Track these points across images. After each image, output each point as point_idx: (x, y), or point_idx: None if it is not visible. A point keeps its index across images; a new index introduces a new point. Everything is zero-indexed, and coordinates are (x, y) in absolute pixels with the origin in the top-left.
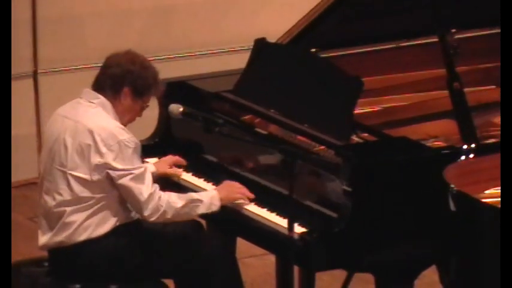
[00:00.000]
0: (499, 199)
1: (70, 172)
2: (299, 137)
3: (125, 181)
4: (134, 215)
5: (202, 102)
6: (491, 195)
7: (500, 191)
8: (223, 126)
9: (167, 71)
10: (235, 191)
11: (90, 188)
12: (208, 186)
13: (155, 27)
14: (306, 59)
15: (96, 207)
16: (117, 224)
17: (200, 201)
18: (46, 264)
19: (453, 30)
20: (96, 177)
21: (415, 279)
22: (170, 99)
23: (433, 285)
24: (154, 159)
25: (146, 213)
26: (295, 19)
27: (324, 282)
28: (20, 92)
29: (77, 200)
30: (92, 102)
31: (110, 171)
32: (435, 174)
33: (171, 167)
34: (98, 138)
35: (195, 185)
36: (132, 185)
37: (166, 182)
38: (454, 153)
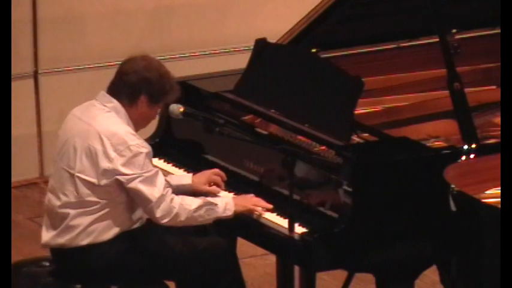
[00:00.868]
0: (499, 199)
1: (78, 175)
2: (299, 137)
3: (135, 184)
4: (138, 222)
5: (203, 102)
6: (492, 195)
7: (500, 191)
8: (223, 126)
9: None
10: (251, 201)
11: (97, 193)
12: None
13: (155, 27)
14: (306, 59)
15: (100, 213)
16: (120, 232)
17: (215, 205)
18: (46, 264)
19: (453, 30)
20: (103, 182)
21: (415, 279)
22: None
23: (433, 285)
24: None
25: (158, 214)
26: (295, 19)
27: (324, 282)
28: (20, 92)
29: (81, 204)
30: (106, 106)
31: (119, 177)
32: (435, 174)
33: (210, 184)
34: (107, 143)
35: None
36: (142, 187)
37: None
38: (454, 153)
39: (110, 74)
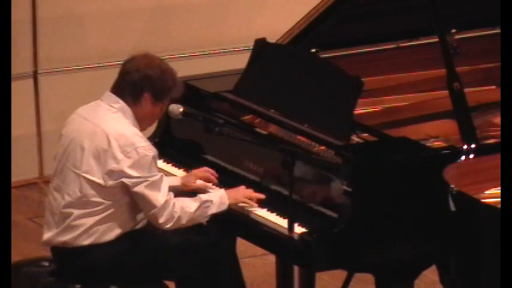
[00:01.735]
0: (499, 199)
1: (84, 175)
2: (299, 137)
3: (140, 188)
4: (140, 224)
5: (202, 102)
6: (491, 195)
7: (500, 191)
8: (223, 126)
9: None
10: (242, 193)
11: (102, 194)
12: (211, 187)
13: (155, 27)
14: (306, 59)
15: (104, 214)
16: (122, 233)
17: (210, 201)
18: (46, 264)
19: (453, 30)
20: (110, 183)
21: (415, 279)
22: (170, 99)
23: (433, 285)
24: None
25: (161, 220)
26: (295, 19)
27: (324, 282)
28: (20, 92)
29: (85, 204)
30: (112, 107)
31: (125, 179)
32: (435, 174)
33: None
34: (115, 144)
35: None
36: (147, 192)
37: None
38: (454, 153)
39: (109, 74)
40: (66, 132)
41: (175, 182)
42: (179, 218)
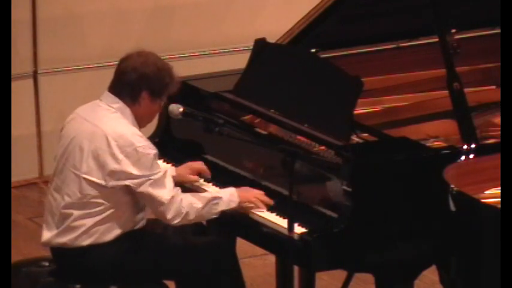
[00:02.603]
0: (499, 199)
1: (84, 176)
2: (299, 137)
3: (145, 188)
4: (139, 224)
5: (202, 102)
6: (491, 195)
7: (500, 191)
8: (223, 126)
9: None
10: (253, 193)
11: (102, 194)
12: (211, 187)
13: (155, 27)
14: (305, 59)
15: (104, 214)
16: (122, 233)
17: (220, 198)
18: (46, 264)
19: (453, 30)
20: (111, 183)
21: (415, 279)
22: (170, 99)
23: (433, 285)
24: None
25: (169, 216)
26: (295, 19)
27: (324, 282)
28: (20, 92)
29: (85, 205)
30: (111, 107)
31: (128, 181)
32: (435, 174)
33: (194, 174)
34: (114, 145)
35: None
36: (153, 191)
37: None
38: (454, 153)
39: (109, 74)
40: (65, 132)
41: (171, 172)
42: (187, 213)
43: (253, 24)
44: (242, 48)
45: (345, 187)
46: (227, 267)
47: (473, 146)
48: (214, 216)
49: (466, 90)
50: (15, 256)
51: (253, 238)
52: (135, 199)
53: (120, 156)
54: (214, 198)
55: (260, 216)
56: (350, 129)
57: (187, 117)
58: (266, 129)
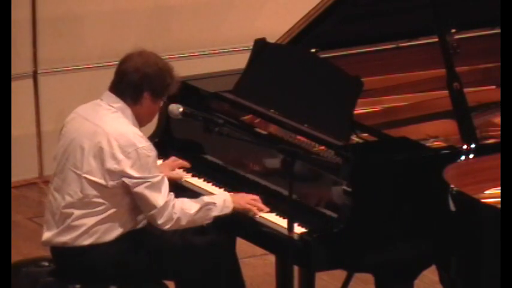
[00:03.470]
0: (499, 199)
1: (85, 176)
2: (299, 137)
3: (141, 189)
4: (140, 224)
5: (202, 102)
6: (491, 195)
7: (500, 191)
8: (223, 126)
9: None
10: (248, 199)
11: (103, 194)
12: (211, 187)
13: (155, 27)
14: (305, 59)
15: (105, 214)
16: (123, 233)
17: (213, 204)
18: (46, 264)
19: (453, 30)
20: (111, 183)
21: (415, 279)
22: (170, 99)
23: (433, 285)
24: (160, 162)
25: (160, 221)
26: (295, 19)
27: (324, 282)
28: (20, 92)
29: (86, 204)
30: (112, 106)
31: (126, 179)
32: (435, 174)
33: (173, 170)
34: (115, 144)
35: (198, 186)
36: (148, 193)
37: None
38: (453, 153)
39: (109, 74)
40: (66, 132)
41: None
42: (178, 219)
43: (253, 24)
44: (242, 48)
45: (344, 187)
46: (227, 267)
47: (473, 146)
48: (208, 222)
49: (466, 90)
50: (15, 256)
51: (253, 238)
52: (136, 200)
53: (121, 156)
54: (208, 204)
55: (260, 216)
56: (350, 129)
57: (187, 117)
58: (266, 129)
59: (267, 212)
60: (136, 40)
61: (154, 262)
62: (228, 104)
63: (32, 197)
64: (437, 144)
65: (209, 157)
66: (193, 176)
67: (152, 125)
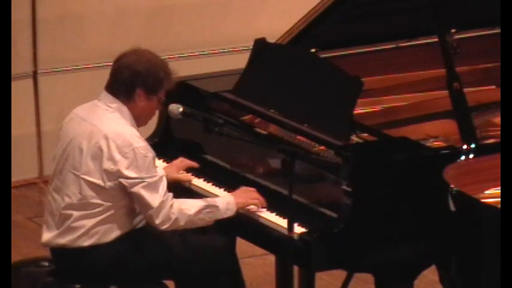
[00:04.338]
0: (499, 199)
1: (83, 177)
2: (299, 137)
3: (137, 189)
4: (140, 223)
5: (202, 102)
6: (491, 195)
7: (500, 191)
8: (223, 126)
9: None
10: (251, 196)
11: (102, 195)
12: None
13: (155, 27)
14: (305, 59)
15: (104, 215)
16: (122, 233)
17: (215, 207)
18: (46, 264)
19: (453, 30)
20: (108, 184)
21: (415, 279)
22: (170, 99)
23: (433, 285)
24: (160, 162)
25: (157, 221)
26: (295, 19)
27: (324, 282)
28: (20, 92)
29: (85, 206)
30: (110, 107)
31: (122, 180)
32: (435, 174)
33: (181, 171)
34: (112, 145)
35: (198, 187)
36: (144, 193)
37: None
38: (453, 153)
39: (108, 74)
40: (64, 132)
41: (160, 173)
42: (176, 219)
43: (253, 24)
44: (242, 48)
45: (344, 187)
46: (227, 267)
47: (473, 146)
48: (209, 224)
49: (466, 90)
50: (15, 256)
51: (253, 238)
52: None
53: (118, 156)
54: (209, 206)
55: (260, 216)
56: (350, 129)
57: (187, 117)
58: (266, 129)
59: (267, 212)
60: (136, 40)
61: (154, 262)
62: (228, 104)
63: (32, 197)
64: (437, 144)
65: (209, 157)
66: (193, 176)
67: (152, 125)
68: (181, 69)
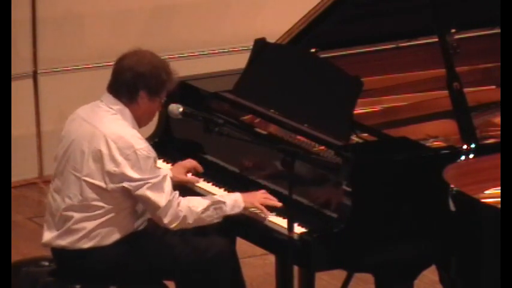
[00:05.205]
0: (499, 199)
1: (85, 178)
2: (299, 137)
3: (143, 191)
4: (141, 226)
5: (202, 102)
6: (491, 195)
7: (500, 191)
8: (223, 126)
9: None
10: (259, 198)
11: (103, 197)
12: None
13: (155, 27)
14: (305, 59)
15: (105, 218)
16: (123, 236)
17: (223, 203)
18: (46, 264)
19: (453, 30)
20: (111, 186)
21: (415, 279)
22: (170, 99)
23: (433, 285)
24: (160, 162)
25: (166, 220)
26: (295, 19)
27: (324, 282)
28: (20, 92)
29: (86, 208)
30: (111, 108)
31: (126, 183)
32: (435, 174)
33: (188, 172)
34: (113, 147)
35: (198, 186)
36: (150, 194)
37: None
38: (453, 153)
39: (109, 74)
40: (66, 133)
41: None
42: (185, 217)
43: (253, 24)
44: (241, 48)
45: (344, 187)
46: (227, 267)
47: (473, 146)
48: (217, 221)
49: (466, 90)
50: (15, 256)
51: (253, 238)
52: (136, 204)
53: (120, 158)
54: (216, 202)
55: (260, 216)
56: (350, 129)
57: (187, 117)
58: (266, 129)
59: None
60: (136, 40)
61: (154, 262)
62: (228, 104)
63: (32, 197)
64: (437, 144)
65: (209, 157)
66: (193, 175)
67: (152, 125)
68: (181, 69)
